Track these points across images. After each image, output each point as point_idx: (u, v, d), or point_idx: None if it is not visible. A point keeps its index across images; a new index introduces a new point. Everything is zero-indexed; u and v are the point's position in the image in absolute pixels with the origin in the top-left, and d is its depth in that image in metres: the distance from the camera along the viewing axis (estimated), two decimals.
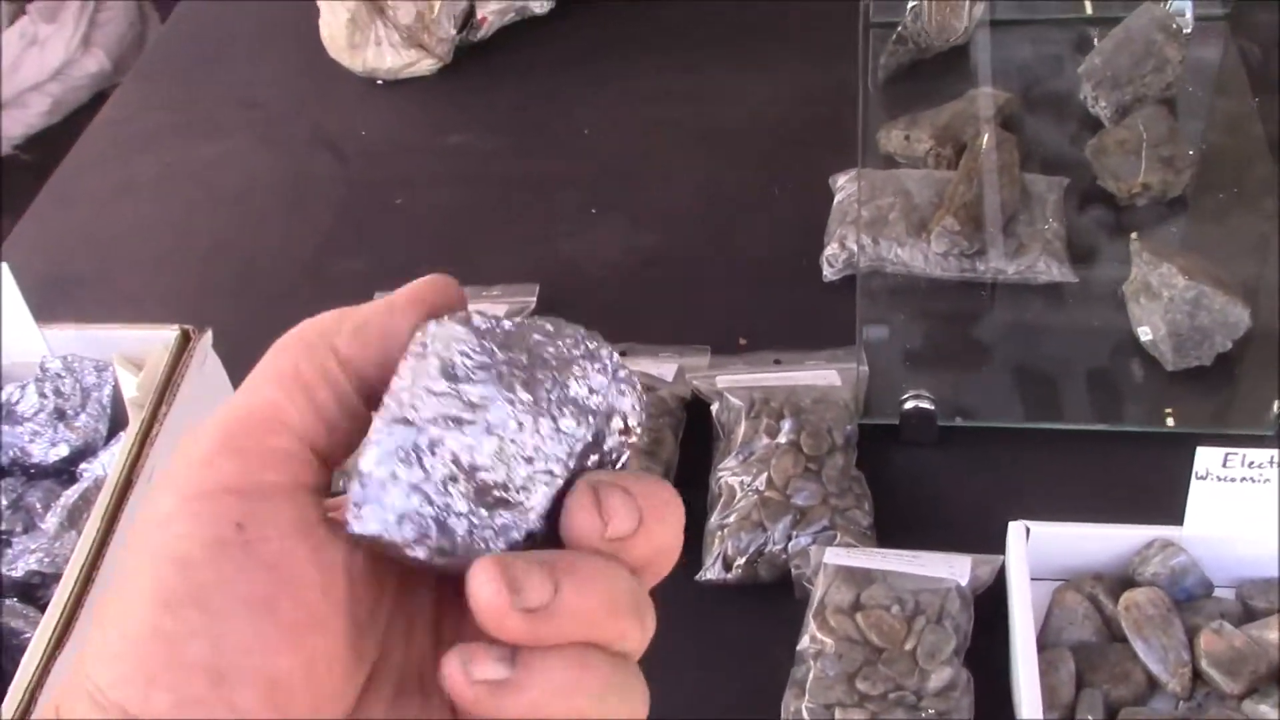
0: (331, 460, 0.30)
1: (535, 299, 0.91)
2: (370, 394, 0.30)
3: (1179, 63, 1.00)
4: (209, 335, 0.79)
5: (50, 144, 2.56)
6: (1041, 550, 0.71)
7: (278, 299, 0.99)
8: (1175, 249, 0.85)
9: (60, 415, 0.77)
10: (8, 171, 2.53)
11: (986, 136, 0.94)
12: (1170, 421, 0.81)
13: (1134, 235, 0.87)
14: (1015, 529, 0.70)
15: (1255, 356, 0.82)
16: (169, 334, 0.78)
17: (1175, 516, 0.69)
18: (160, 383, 0.75)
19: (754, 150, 1.06)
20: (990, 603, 0.71)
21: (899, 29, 1.05)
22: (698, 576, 0.75)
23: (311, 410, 0.30)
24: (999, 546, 0.72)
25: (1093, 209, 0.94)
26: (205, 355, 0.79)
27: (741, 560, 0.74)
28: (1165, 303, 0.81)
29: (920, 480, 0.81)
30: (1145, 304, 0.83)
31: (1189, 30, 1.05)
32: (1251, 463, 0.67)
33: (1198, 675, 0.66)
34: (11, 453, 0.77)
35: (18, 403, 0.77)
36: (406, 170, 1.10)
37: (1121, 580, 0.70)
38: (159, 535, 0.28)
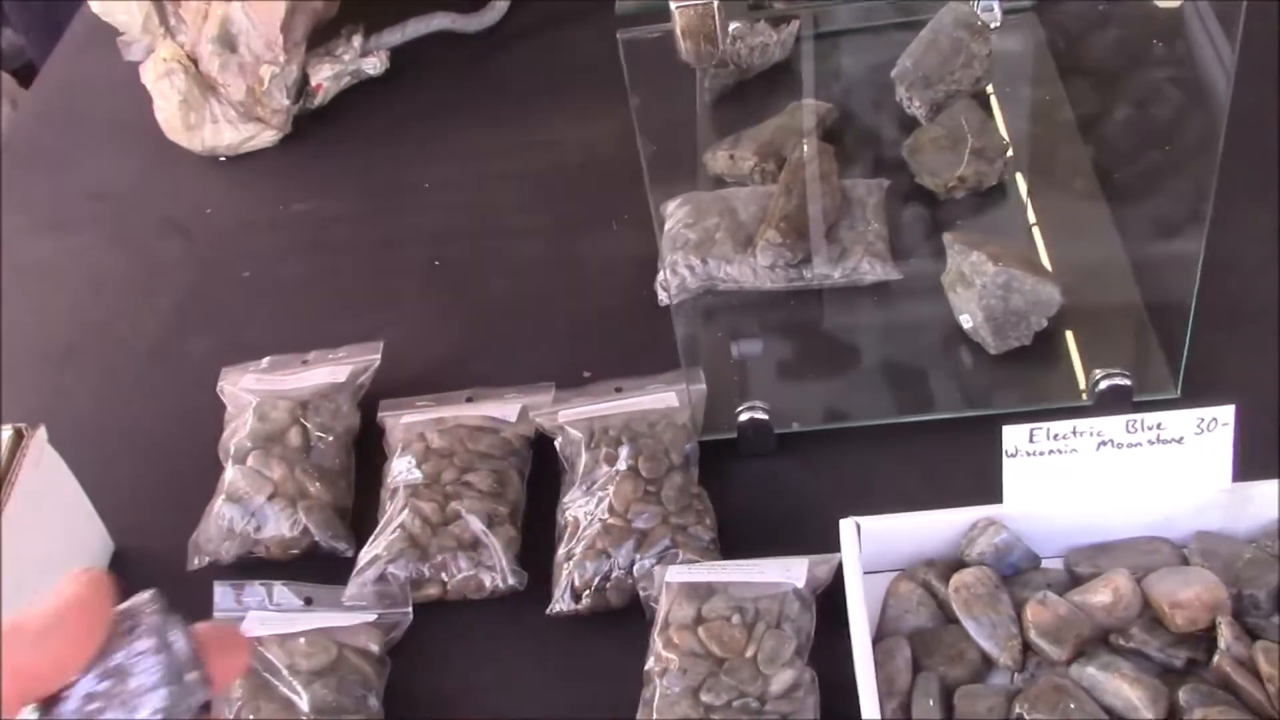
0: None
1: (379, 356, 0.92)
2: None
3: (986, 56, 1.03)
4: (42, 432, 0.80)
5: None
6: (877, 544, 0.73)
7: (129, 386, 0.99)
8: (985, 238, 0.88)
9: None
10: None
11: (805, 147, 0.97)
12: (995, 404, 0.83)
13: (948, 231, 0.90)
14: (847, 525, 0.72)
15: (1069, 331, 0.85)
16: (2, 434, 0.79)
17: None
18: None
19: (591, 189, 1.08)
20: (833, 601, 0.73)
21: (719, 50, 1.08)
22: (548, 609, 0.76)
23: None
24: (839, 546, 0.73)
25: (913, 207, 0.97)
26: (41, 452, 0.79)
27: (589, 589, 0.75)
28: (979, 289, 0.84)
29: (762, 490, 0.83)
30: (962, 293, 0.86)
31: (997, 24, 1.08)
32: (1056, 435, 0.69)
33: (1028, 647, 0.68)
34: None
35: None
36: (253, 243, 1.10)
37: (952, 564, 0.72)
38: None
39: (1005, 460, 0.70)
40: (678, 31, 0.63)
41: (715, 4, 0.62)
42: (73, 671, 0.34)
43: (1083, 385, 0.83)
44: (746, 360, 0.89)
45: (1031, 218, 0.95)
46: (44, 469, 0.79)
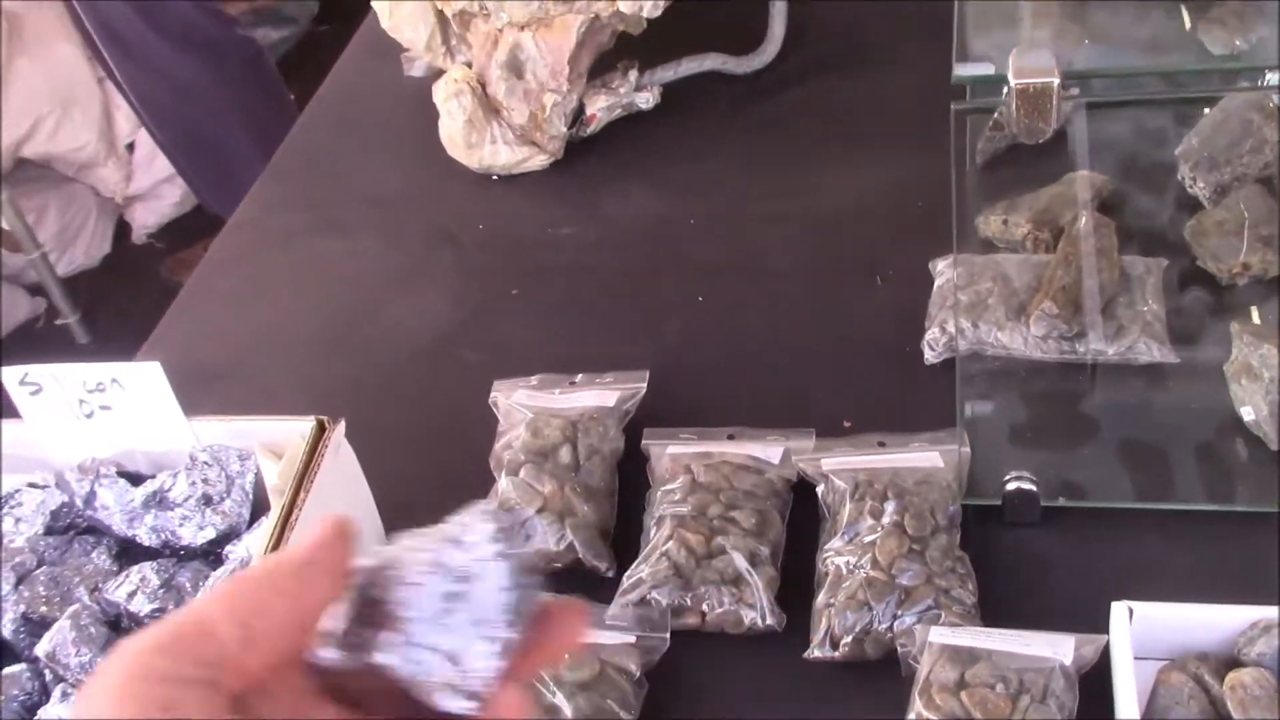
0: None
1: (645, 385, 0.95)
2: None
3: (1276, 143, 1.01)
4: (342, 426, 0.85)
5: (181, 232, 2.70)
6: (1146, 631, 0.72)
7: (404, 385, 1.05)
8: (1276, 330, 0.86)
9: (208, 501, 0.83)
10: (144, 258, 2.67)
11: (1084, 219, 0.96)
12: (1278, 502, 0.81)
13: (1235, 320, 0.88)
14: (1118, 609, 0.72)
15: None
16: (306, 425, 0.84)
17: None
18: (299, 470, 0.81)
19: (857, 239, 1.10)
20: (1095, 683, 0.72)
21: (995, 115, 1.08)
22: (806, 654, 0.77)
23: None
24: (1103, 627, 0.73)
25: (1193, 290, 0.95)
26: (339, 444, 0.85)
27: (848, 638, 0.77)
28: (1266, 383, 0.82)
29: (1024, 561, 0.83)
30: (1246, 385, 0.84)
31: None
32: None
33: None
34: (164, 535, 0.83)
35: (169, 490, 0.83)
36: (520, 259, 1.15)
37: (1227, 661, 0.71)
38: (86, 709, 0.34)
39: None
40: (1014, 106, 0.64)
41: (1056, 83, 0.62)
42: (329, 596, 0.39)
43: None
44: (1014, 429, 0.89)
45: None
46: (341, 460, 0.84)
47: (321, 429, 0.84)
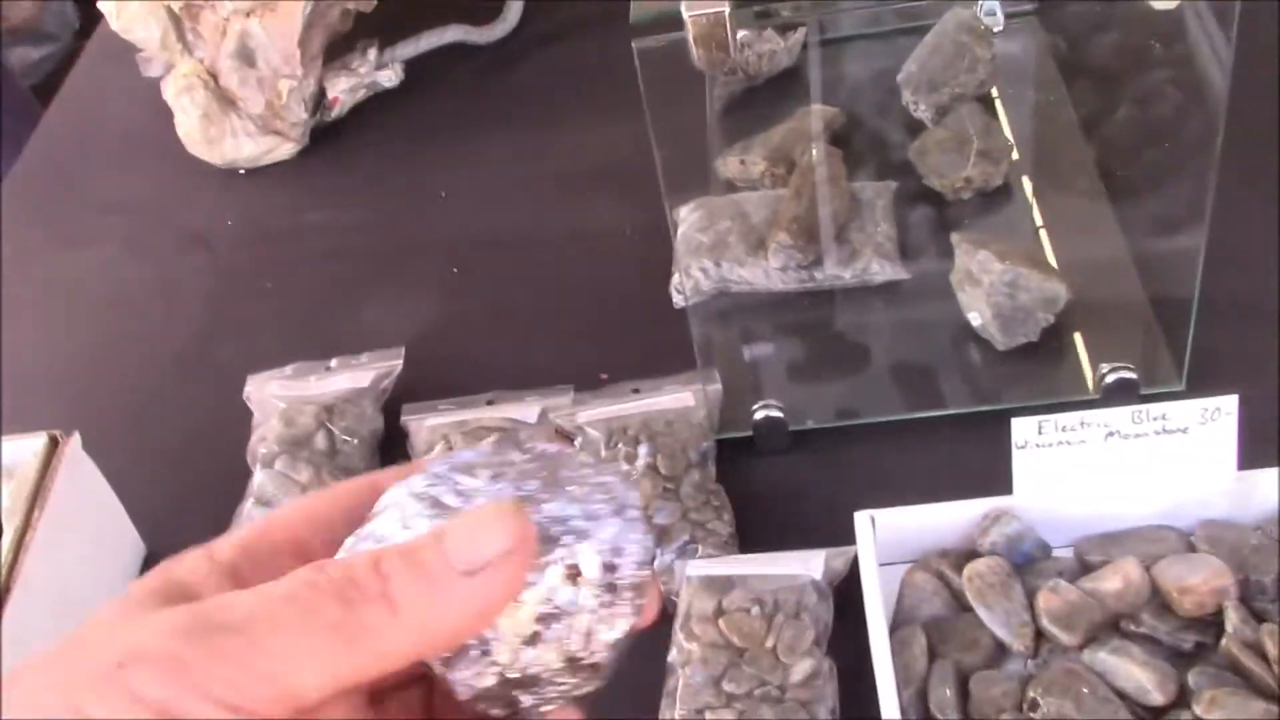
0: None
1: (401, 361, 0.94)
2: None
3: (989, 60, 1.05)
4: (76, 438, 0.82)
5: None
6: (892, 537, 0.75)
7: (155, 397, 1.01)
8: (991, 237, 0.90)
9: None
10: None
11: (815, 151, 0.99)
12: (1004, 399, 0.85)
13: (956, 231, 0.92)
14: (861, 519, 0.74)
15: (1075, 327, 0.87)
16: (37, 442, 0.81)
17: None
18: (30, 490, 0.78)
19: (605, 196, 1.10)
20: (850, 593, 0.75)
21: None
22: None
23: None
24: (853, 539, 0.75)
25: (921, 208, 0.99)
26: (76, 458, 0.82)
27: None
28: (986, 288, 0.86)
29: (778, 486, 0.85)
30: (970, 291, 0.88)
31: (999, 28, 1.11)
32: (1064, 427, 0.71)
33: (1040, 634, 0.70)
34: None
35: None
36: (274, 253, 1.13)
37: (966, 554, 0.74)
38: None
39: (1015, 452, 0.72)
40: (690, 39, 0.65)
41: (726, 12, 0.64)
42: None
43: (1090, 379, 0.85)
44: (760, 360, 0.91)
45: (1037, 217, 0.97)
46: (78, 475, 0.81)
47: (55, 444, 0.81)
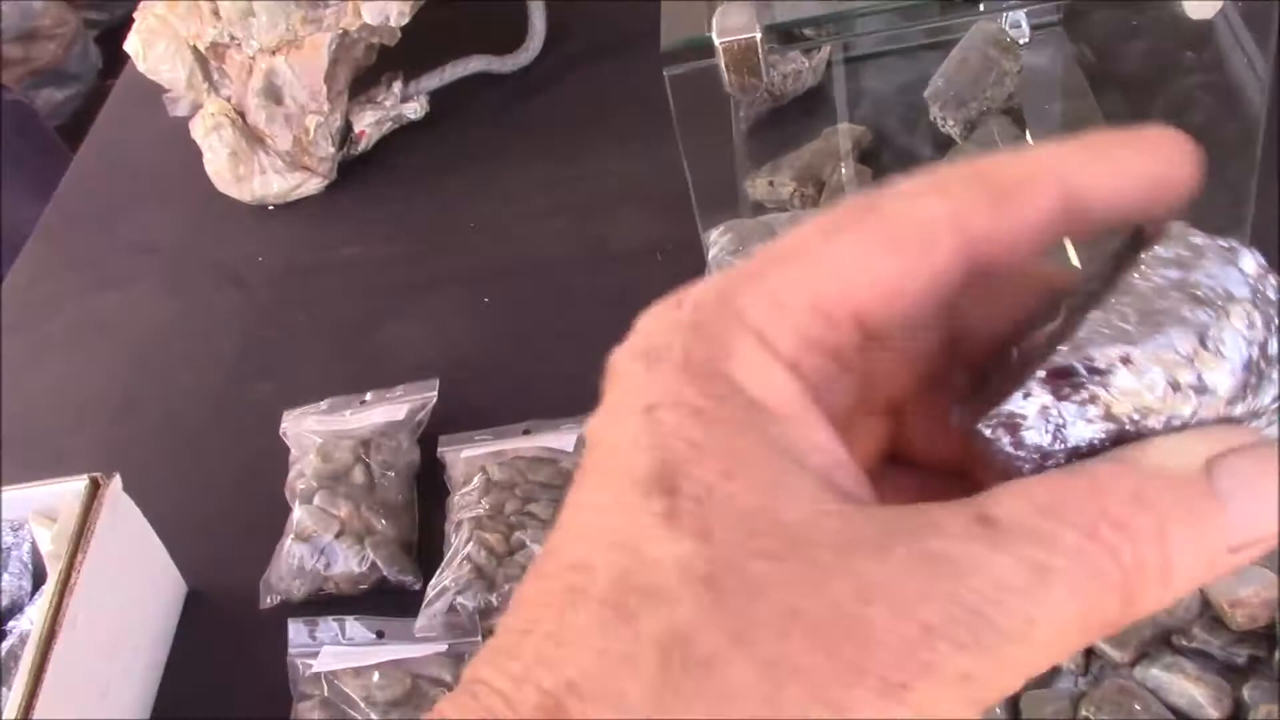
0: None
1: (435, 393, 0.94)
2: None
3: (1017, 73, 1.05)
4: (117, 480, 0.82)
5: None
6: None
7: (193, 435, 1.02)
8: None
9: None
10: None
11: (844, 170, 0.98)
12: None
13: None
14: None
15: None
16: (79, 485, 0.81)
17: None
18: (73, 533, 0.78)
19: (633, 221, 1.10)
20: None
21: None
22: None
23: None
24: None
25: None
26: (117, 500, 0.82)
27: None
28: None
29: None
30: None
31: (1026, 40, 1.11)
32: None
33: (1091, 651, 0.69)
34: None
35: None
36: (305, 288, 1.13)
37: None
38: None
39: None
40: (722, 65, 0.65)
41: (758, 38, 0.64)
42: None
43: None
44: None
45: None
46: (120, 517, 0.82)
47: (96, 486, 0.81)
